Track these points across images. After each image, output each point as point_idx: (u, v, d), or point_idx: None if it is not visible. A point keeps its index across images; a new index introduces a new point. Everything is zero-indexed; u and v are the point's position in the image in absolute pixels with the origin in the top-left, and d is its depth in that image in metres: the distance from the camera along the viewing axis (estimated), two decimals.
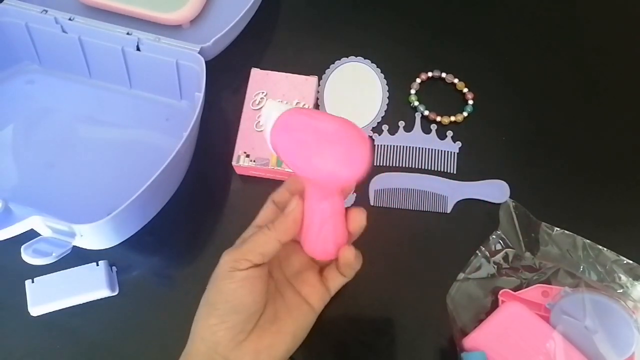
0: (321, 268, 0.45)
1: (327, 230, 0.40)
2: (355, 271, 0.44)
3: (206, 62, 0.50)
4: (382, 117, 0.55)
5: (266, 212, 0.43)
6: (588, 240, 0.49)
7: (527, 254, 0.49)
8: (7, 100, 0.55)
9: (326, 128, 0.35)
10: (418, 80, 0.57)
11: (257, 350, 0.40)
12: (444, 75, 0.57)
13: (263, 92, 0.53)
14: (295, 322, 0.43)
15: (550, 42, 0.59)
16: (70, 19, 0.52)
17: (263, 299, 0.41)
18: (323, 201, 0.39)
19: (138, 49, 0.52)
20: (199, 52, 0.51)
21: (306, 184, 0.39)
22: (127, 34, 0.52)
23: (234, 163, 0.51)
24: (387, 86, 0.56)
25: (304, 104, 0.52)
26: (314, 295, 0.43)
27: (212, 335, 0.39)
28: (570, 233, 0.49)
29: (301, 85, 0.53)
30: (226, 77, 0.56)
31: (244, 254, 0.39)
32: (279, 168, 0.50)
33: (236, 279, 0.39)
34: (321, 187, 0.38)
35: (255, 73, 0.54)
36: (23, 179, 0.52)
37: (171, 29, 0.56)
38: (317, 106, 0.55)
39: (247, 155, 0.51)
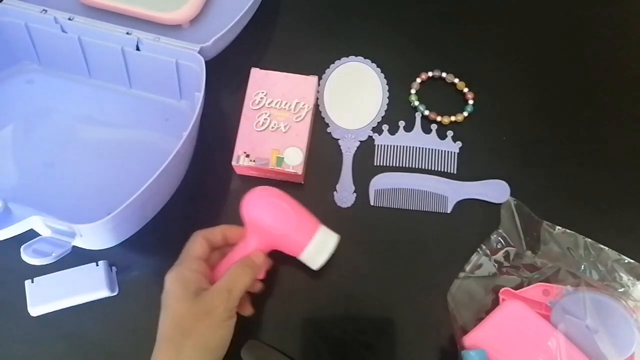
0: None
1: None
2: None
3: (206, 62, 0.50)
4: (382, 117, 0.55)
5: (201, 245, 0.45)
6: (589, 239, 0.49)
7: (528, 252, 0.49)
8: (7, 100, 0.55)
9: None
10: (418, 80, 0.57)
11: None
12: (444, 75, 0.57)
13: (263, 92, 0.53)
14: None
15: (550, 42, 0.59)
16: (69, 19, 0.52)
17: None
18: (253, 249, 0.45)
19: (138, 49, 0.52)
20: (198, 52, 0.50)
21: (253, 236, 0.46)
22: (127, 33, 0.52)
23: (233, 163, 0.51)
24: (387, 86, 0.56)
25: (304, 104, 0.52)
26: None
27: None
28: (572, 232, 0.49)
29: (301, 85, 0.53)
30: (226, 77, 0.56)
31: (234, 302, 0.42)
32: (278, 168, 0.50)
33: (232, 327, 0.42)
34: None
35: (255, 73, 0.54)
36: (23, 179, 0.52)
37: (171, 29, 0.56)
38: (317, 106, 0.55)
39: (247, 155, 0.51)
